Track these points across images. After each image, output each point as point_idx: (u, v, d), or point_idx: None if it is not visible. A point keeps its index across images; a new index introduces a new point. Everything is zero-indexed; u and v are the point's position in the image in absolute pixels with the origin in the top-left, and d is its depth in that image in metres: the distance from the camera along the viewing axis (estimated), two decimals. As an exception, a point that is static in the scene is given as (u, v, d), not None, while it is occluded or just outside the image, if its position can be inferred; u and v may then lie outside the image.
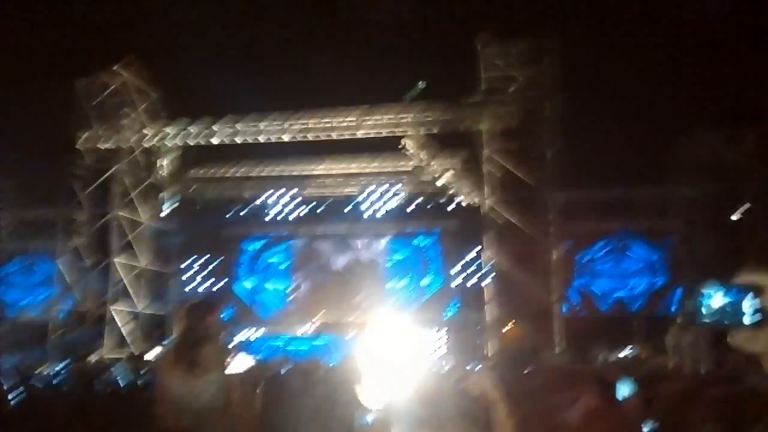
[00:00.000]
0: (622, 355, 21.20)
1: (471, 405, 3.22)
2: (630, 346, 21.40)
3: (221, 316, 4.86)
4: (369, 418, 3.00)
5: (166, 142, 24.15)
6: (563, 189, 21.95)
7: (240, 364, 3.93)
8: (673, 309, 22.15)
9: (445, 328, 23.24)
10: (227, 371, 4.68)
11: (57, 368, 16.94)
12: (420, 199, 25.05)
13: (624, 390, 3.43)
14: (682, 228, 21.99)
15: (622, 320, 22.44)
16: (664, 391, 7.31)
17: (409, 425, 3.32)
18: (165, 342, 21.76)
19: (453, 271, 25.09)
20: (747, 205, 20.67)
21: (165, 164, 25.26)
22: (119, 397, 9.08)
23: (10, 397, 7.50)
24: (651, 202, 22.75)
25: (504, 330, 22.77)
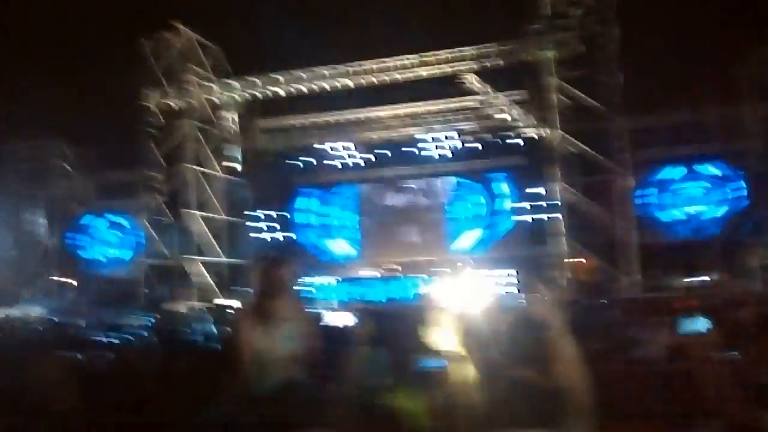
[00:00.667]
0: (698, 281, 20.79)
1: (534, 338, 3.28)
2: (705, 272, 20.93)
3: (293, 268, 5.00)
4: (433, 363, 3.09)
5: (233, 96, 24.56)
6: (631, 115, 21.34)
7: (342, 319, 4.08)
8: (749, 232, 21.45)
9: (515, 266, 23.16)
10: (320, 322, 4.82)
11: (144, 321, 17.81)
12: (485, 136, 24.71)
13: (696, 324, 3.43)
14: (758, 147, 21.08)
15: (697, 246, 21.89)
16: (742, 318, 7.21)
17: (474, 365, 3.43)
18: (239, 291, 22.57)
19: (521, 208, 24.86)
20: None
21: (233, 118, 25.77)
22: (202, 346, 9.38)
23: (100, 350, 7.97)
24: (722, 123, 21.79)
25: (576, 262, 22.60)
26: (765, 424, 2.73)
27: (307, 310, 5.71)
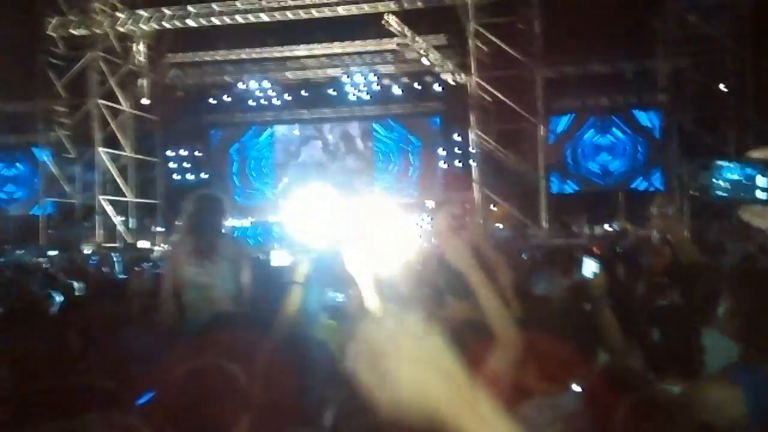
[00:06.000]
0: (607, 229, 21.67)
1: (450, 274, 3.29)
2: (615, 221, 21.84)
3: (227, 205, 4.95)
4: (340, 297, 3.10)
5: (141, 26, 23.30)
6: (550, 64, 21.66)
7: (280, 258, 4.01)
8: (658, 184, 22.38)
9: (430, 212, 23.44)
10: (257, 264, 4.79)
11: (50, 259, 17.03)
12: (405, 80, 24.61)
13: (591, 267, 3.50)
14: (668, 100, 21.87)
15: (608, 196, 22.73)
16: (650, 264, 7.49)
17: (392, 300, 3.42)
18: (161, 230, 21.95)
19: (438, 153, 25.09)
20: (722, 86, 20.74)
21: (142, 50, 24.57)
22: (116, 282, 9.07)
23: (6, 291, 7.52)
24: (638, 75, 22.44)
25: (492, 209, 23.05)
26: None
27: (244, 248, 5.65)
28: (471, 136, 22.32)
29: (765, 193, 1.23)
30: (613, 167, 23.04)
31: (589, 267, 3.40)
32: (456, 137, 24.34)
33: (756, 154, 1.26)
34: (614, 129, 23.08)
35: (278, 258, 4.00)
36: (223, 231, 4.80)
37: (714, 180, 1.28)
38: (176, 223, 5.16)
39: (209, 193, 5.18)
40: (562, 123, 23.35)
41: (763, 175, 1.24)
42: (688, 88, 20.90)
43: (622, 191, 22.69)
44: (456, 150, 24.46)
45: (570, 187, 23.18)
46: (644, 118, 22.83)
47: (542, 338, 2.48)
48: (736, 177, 1.26)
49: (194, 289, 4.52)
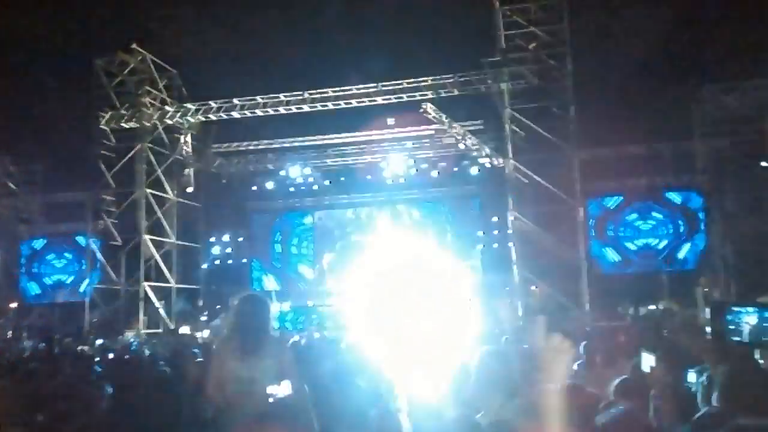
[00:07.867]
0: (652, 309, 21.18)
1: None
2: (660, 301, 21.39)
3: (273, 304, 5.06)
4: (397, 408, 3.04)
5: (188, 118, 24.25)
6: (586, 147, 21.80)
7: (281, 390, 4.10)
8: (700, 263, 22.03)
9: (471, 293, 23.25)
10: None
11: (95, 346, 17.27)
12: (443, 164, 24.99)
13: (648, 361, 3.41)
14: (708, 181, 21.76)
15: (651, 276, 22.36)
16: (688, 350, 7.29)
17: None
18: (201, 318, 22.20)
19: (476, 235, 25.14)
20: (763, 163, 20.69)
21: (188, 140, 25.44)
22: (160, 369, 9.11)
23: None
24: (676, 156, 22.47)
25: (532, 290, 22.78)
26: None
27: (289, 348, 5.75)
28: (509, 217, 22.35)
29: None
30: (652, 248, 22.78)
31: (647, 361, 3.26)
32: (494, 219, 24.43)
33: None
34: (654, 210, 22.95)
35: (278, 390, 4.06)
36: (268, 331, 4.92)
37: (731, 325, 1.33)
38: (217, 307, 5.28)
39: (254, 294, 5.35)
40: (600, 204, 23.30)
41: None
42: (728, 168, 20.82)
43: (666, 271, 22.34)
44: (494, 232, 24.52)
45: (609, 268, 22.91)
46: (683, 198, 22.70)
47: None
48: (752, 321, 1.32)
49: (237, 383, 4.62)
